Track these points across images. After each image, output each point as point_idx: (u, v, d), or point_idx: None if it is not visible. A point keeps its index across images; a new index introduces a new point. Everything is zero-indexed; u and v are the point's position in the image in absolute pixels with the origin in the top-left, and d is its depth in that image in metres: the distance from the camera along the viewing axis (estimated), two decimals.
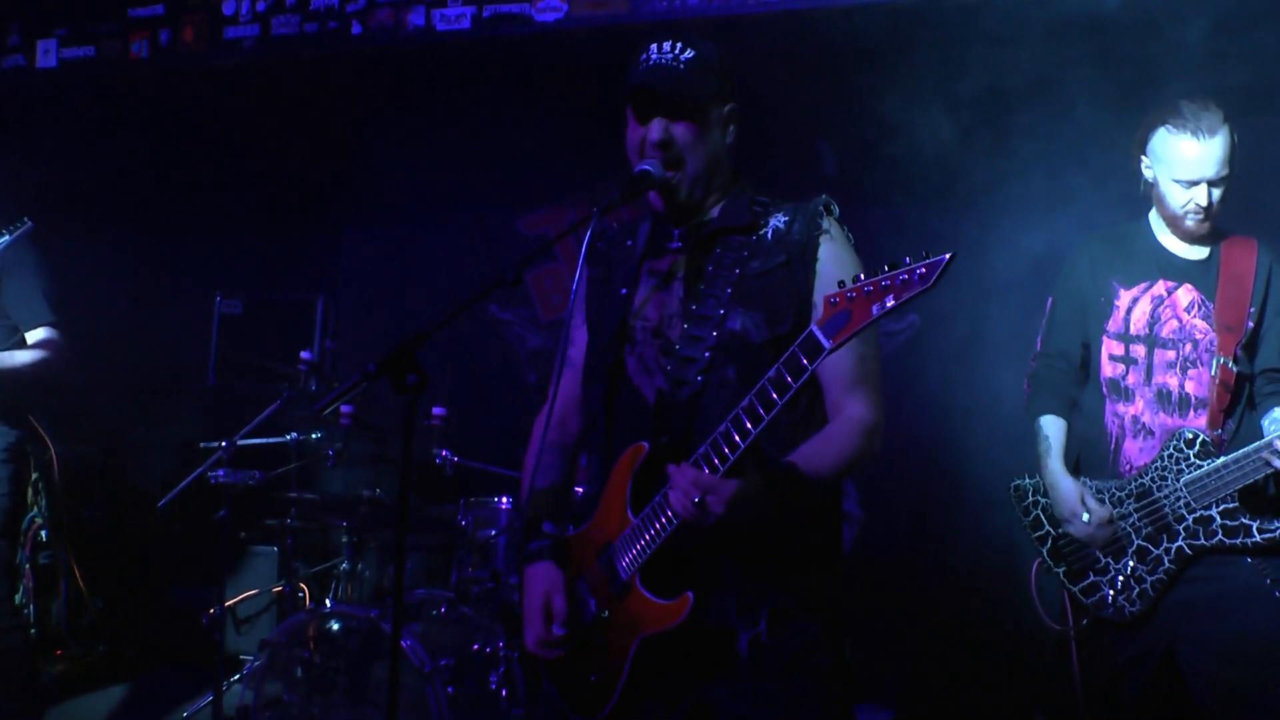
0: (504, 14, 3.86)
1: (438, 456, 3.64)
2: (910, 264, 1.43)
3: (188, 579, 4.68)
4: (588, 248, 1.84)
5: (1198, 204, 2.38)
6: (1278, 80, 3.26)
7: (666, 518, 1.65)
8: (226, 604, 4.06)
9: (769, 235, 1.80)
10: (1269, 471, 2.26)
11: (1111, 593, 2.40)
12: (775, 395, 1.53)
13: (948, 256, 1.40)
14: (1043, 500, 2.57)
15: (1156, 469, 2.38)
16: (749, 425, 1.56)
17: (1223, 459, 2.30)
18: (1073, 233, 3.69)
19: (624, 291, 1.85)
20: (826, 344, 1.48)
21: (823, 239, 1.77)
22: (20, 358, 3.12)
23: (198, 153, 4.86)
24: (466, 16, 3.88)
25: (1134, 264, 2.50)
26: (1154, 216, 2.53)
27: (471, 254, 4.83)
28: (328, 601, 3.47)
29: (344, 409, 3.60)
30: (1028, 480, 2.63)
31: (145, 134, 4.80)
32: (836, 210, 1.82)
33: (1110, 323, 2.50)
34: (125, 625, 4.79)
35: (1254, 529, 2.27)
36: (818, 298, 1.75)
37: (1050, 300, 2.65)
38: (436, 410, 3.69)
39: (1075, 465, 2.56)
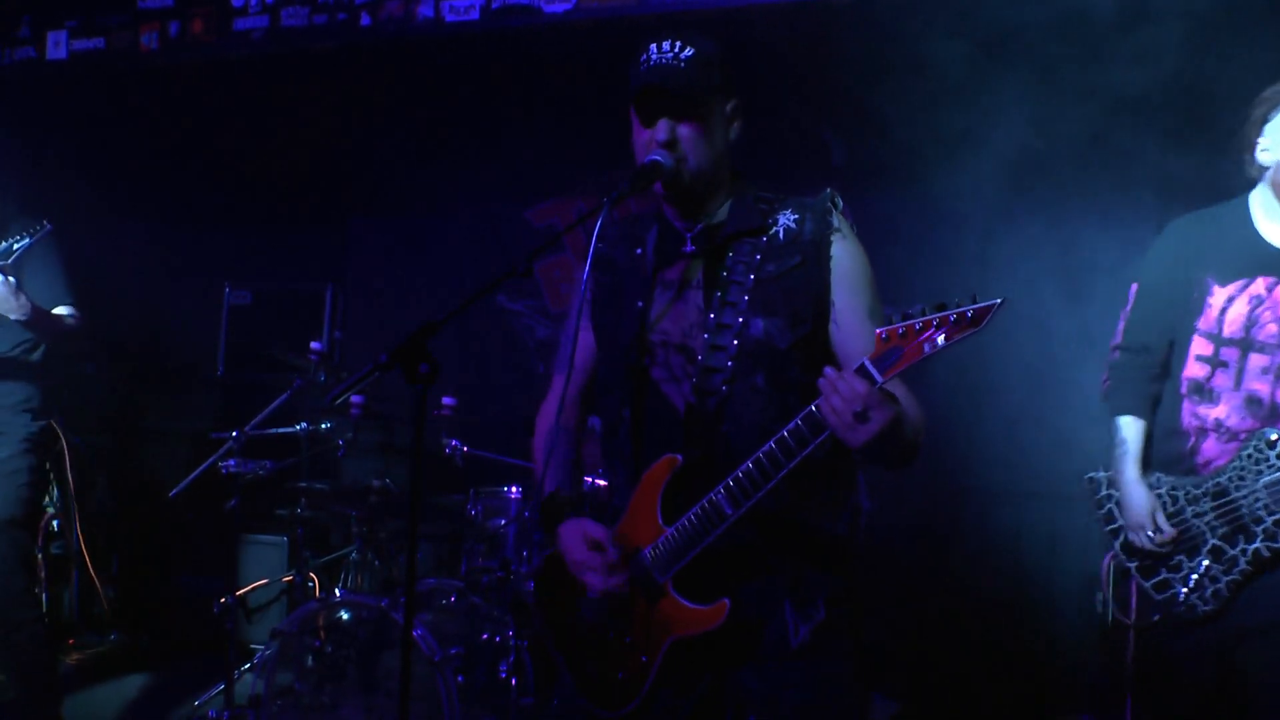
0: (513, 5, 3.86)
1: (447, 446, 3.64)
2: (960, 305, 1.47)
3: (199, 568, 4.70)
4: (591, 252, 1.85)
5: None
6: None
7: (706, 524, 1.69)
8: (237, 593, 4.07)
9: (780, 235, 1.81)
10: None
11: (1184, 590, 2.35)
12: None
13: (999, 301, 1.46)
14: (1116, 494, 2.50)
15: (1235, 469, 2.31)
16: (794, 446, 1.60)
17: None
18: (1088, 226, 3.69)
19: (639, 304, 1.86)
20: (879, 378, 1.53)
21: (834, 237, 1.79)
22: (62, 311, 3.31)
23: (207, 144, 4.87)
24: (475, 8, 3.88)
25: (1230, 258, 2.35)
26: (1257, 201, 2.38)
27: (479, 244, 4.83)
28: (338, 591, 3.48)
29: (354, 399, 3.60)
30: (1102, 473, 2.55)
31: (155, 125, 4.81)
32: (841, 203, 1.84)
33: (1201, 320, 2.38)
34: (137, 614, 4.82)
35: None
36: (835, 296, 1.78)
37: (1134, 288, 2.52)
38: (446, 400, 3.69)
39: (1147, 460, 2.48)
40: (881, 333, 1.53)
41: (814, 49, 3.95)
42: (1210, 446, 2.37)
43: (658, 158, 1.77)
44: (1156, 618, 2.41)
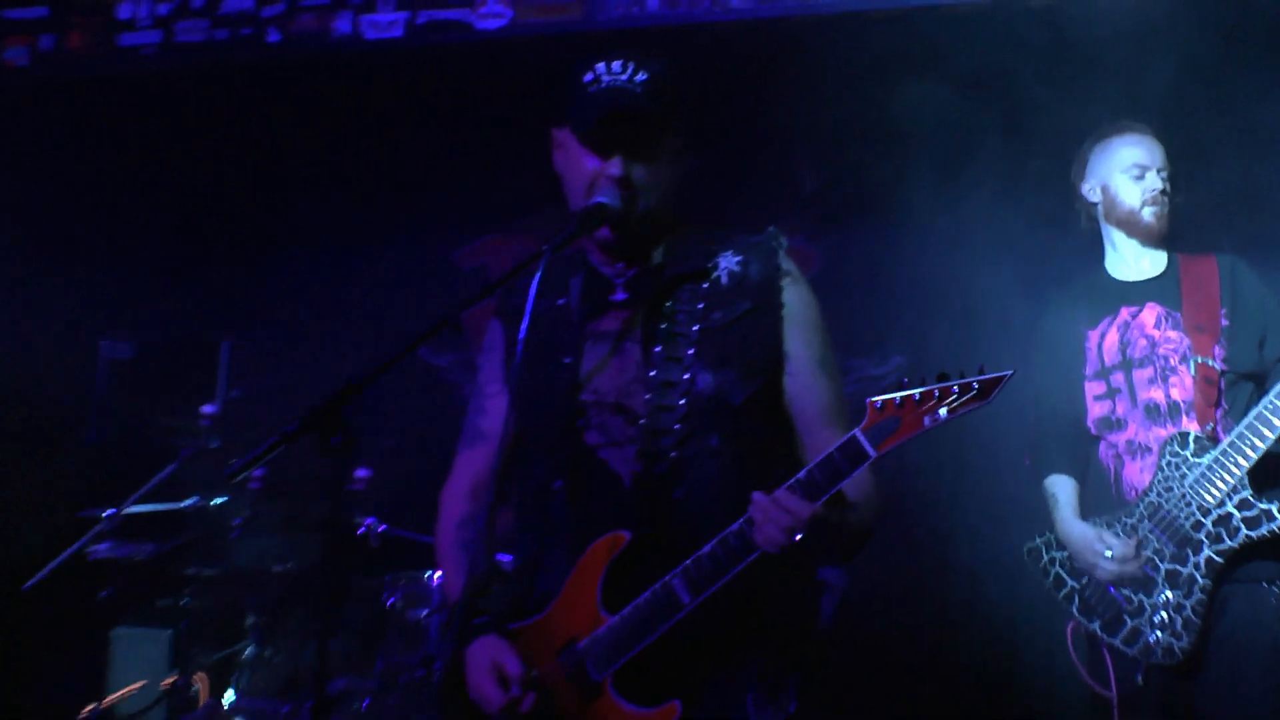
0: (441, 20, 3.95)
1: (362, 525, 3.65)
2: (965, 377, 1.59)
3: (60, 672, 4.60)
4: (502, 304, 1.98)
5: (1153, 189, 2.75)
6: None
7: (657, 614, 1.71)
8: (106, 701, 4.00)
9: (724, 279, 1.90)
10: (1269, 442, 2.48)
11: (1156, 634, 2.53)
12: (813, 498, 1.65)
13: (1008, 374, 1.58)
14: (1059, 555, 2.76)
15: (1159, 482, 2.60)
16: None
17: (1220, 446, 2.52)
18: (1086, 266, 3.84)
19: (567, 360, 1.91)
20: (872, 452, 1.61)
21: (785, 281, 1.90)
22: None
23: (85, 173, 4.84)
24: (399, 23, 3.96)
25: (1095, 304, 2.86)
26: (1109, 253, 2.91)
27: (401, 289, 4.81)
28: (230, 694, 3.45)
29: (254, 470, 3.60)
30: (1038, 539, 2.81)
31: (23, 150, 4.79)
32: (786, 242, 1.96)
33: (1087, 367, 2.82)
34: None
35: (1274, 511, 2.47)
36: (790, 344, 1.88)
37: (1032, 364, 2.89)
38: (360, 472, 3.72)
39: (1082, 513, 2.76)
40: (876, 402, 1.62)
41: (781, 69, 4.09)
42: (1131, 471, 2.69)
43: (604, 199, 1.84)
44: (1140, 679, 2.57)
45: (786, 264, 1.92)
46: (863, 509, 1.79)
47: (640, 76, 1.86)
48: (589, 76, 1.87)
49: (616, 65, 1.87)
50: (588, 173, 1.87)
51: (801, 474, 1.68)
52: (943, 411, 1.58)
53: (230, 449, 3.74)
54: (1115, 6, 3.60)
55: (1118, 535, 2.63)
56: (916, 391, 1.60)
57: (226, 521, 3.90)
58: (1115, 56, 3.54)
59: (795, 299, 1.90)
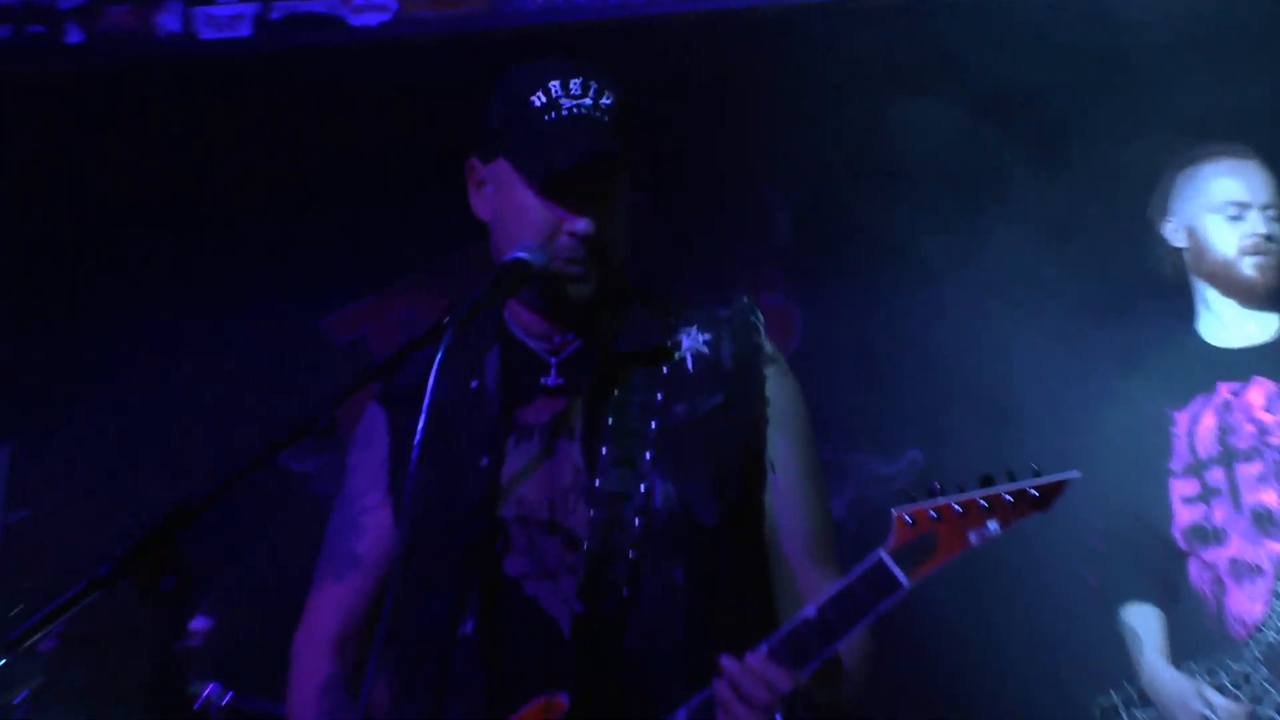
0: (302, 14, 3.96)
1: (200, 693, 3.51)
2: (1016, 480, 1.62)
3: None
4: (387, 384, 1.96)
5: (1255, 234, 2.75)
6: None
7: None
8: None
9: (688, 363, 1.92)
10: None
11: None
12: (817, 648, 1.64)
13: (1072, 476, 1.61)
14: (1143, 715, 2.74)
15: (1278, 614, 2.60)
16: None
17: None
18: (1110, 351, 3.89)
19: (483, 462, 1.87)
20: (905, 581, 1.62)
21: (769, 369, 1.94)
22: None
23: None
24: (246, 19, 3.97)
25: (1182, 378, 2.86)
26: (1201, 313, 2.92)
27: (253, 373, 4.75)
28: None
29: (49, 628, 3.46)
30: (1114, 695, 2.79)
31: None
32: (763, 317, 1.97)
33: (1173, 460, 2.81)
34: None
35: None
36: (777, 449, 1.91)
37: (1094, 455, 2.84)
38: (196, 624, 3.59)
39: (1172, 655, 2.78)
40: (905, 515, 1.63)
41: (747, 77, 4.13)
42: (1236, 600, 2.70)
43: (525, 254, 1.81)
44: None
45: (768, 345, 1.95)
46: (856, 675, 1.79)
47: (606, 100, 1.86)
48: (539, 99, 1.85)
49: (575, 84, 1.86)
50: (539, 225, 1.85)
51: (809, 611, 1.65)
52: (992, 525, 1.61)
53: (12, 596, 3.57)
54: None
55: (1224, 686, 2.62)
56: (956, 501, 1.62)
57: (6, 696, 3.72)
58: (1177, 55, 3.60)
59: (780, 393, 1.93)
